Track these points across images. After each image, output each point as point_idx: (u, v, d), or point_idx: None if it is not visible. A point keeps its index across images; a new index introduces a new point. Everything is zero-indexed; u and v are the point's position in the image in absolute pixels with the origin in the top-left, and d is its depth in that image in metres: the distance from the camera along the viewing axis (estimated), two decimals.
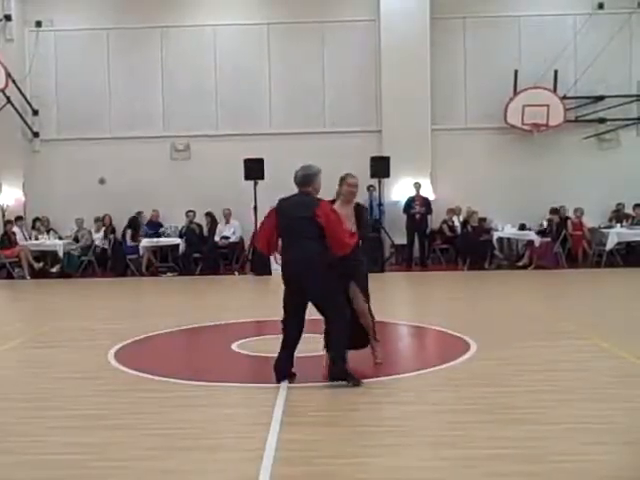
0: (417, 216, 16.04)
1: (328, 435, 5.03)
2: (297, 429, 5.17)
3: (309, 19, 17.03)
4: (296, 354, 6.50)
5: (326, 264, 6.27)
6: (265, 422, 5.26)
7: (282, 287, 6.47)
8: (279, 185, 15.90)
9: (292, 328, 6.42)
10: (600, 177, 16.54)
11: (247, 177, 15.59)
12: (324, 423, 5.31)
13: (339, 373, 6.26)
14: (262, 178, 15.56)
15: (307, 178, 6.54)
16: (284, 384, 6.29)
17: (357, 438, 4.98)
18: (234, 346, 8.00)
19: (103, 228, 16.45)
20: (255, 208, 15.57)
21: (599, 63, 16.48)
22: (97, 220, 16.55)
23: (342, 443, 4.88)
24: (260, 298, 13.04)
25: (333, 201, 6.84)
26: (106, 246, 16.27)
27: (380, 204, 16.18)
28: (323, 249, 6.28)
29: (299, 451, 4.73)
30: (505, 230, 16.03)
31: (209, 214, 16.68)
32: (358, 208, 6.91)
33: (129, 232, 16.04)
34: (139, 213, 16.42)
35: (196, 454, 4.72)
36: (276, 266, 14.76)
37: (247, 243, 16.35)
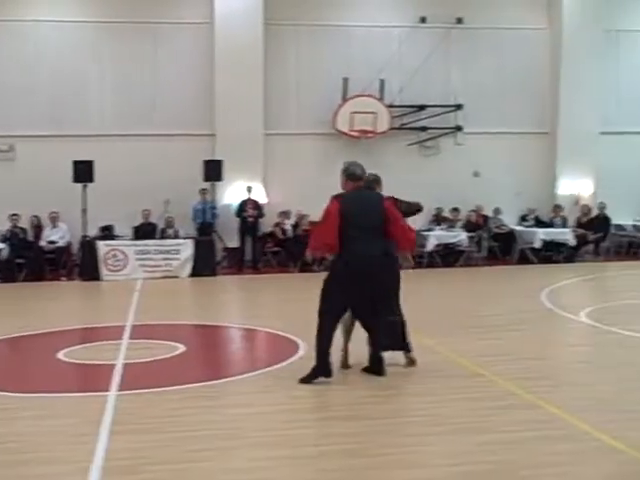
0: (249, 219, 16.22)
1: (158, 441, 5.05)
2: (126, 437, 5.15)
3: (141, 19, 16.71)
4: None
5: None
6: (93, 432, 5.20)
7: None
8: (108, 188, 15.73)
9: (332, 328, 6.54)
10: (422, 182, 17.26)
11: (76, 180, 15.10)
12: (154, 430, 5.31)
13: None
14: (91, 181, 15.12)
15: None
16: (112, 392, 6.22)
17: (187, 443, 5.02)
18: (60, 354, 7.77)
19: None
20: (84, 211, 15.12)
21: (422, 74, 17.35)
22: None
23: (173, 449, 4.91)
24: (88, 304, 12.70)
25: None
26: None
27: (213, 207, 16.19)
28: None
29: (129, 459, 4.73)
30: None
31: (34, 218, 16.00)
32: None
33: None
34: None
35: (21, 468, 4.60)
36: (106, 272, 14.63)
37: (76, 247, 15.83)
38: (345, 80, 17.17)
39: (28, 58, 16.37)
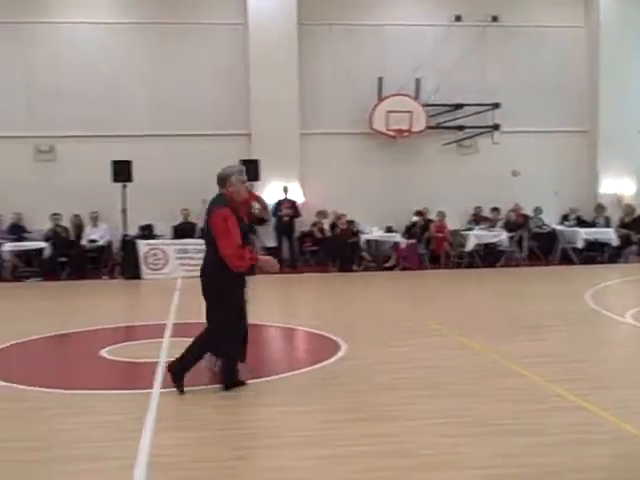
0: (285, 219, 16.25)
1: (201, 439, 5.07)
2: (169, 434, 5.18)
3: (177, 20, 16.87)
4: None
5: (220, 275, 6.13)
6: (137, 428, 5.23)
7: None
8: (147, 188, 15.88)
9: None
10: (460, 181, 17.32)
11: (115, 179, 15.27)
12: (196, 427, 5.34)
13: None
14: (130, 180, 15.29)
15: (220, 178, 6.34)
16: (155, 390, 6.26)
17: (229, 441, 5.04)
18: (103, 352, 7.86)
19: None
20: (124, 211, 15.28)
21: (457, 73, 17.26)
22: None
23: (215, 446, 4.93)
24: (130, 302, 12.81)
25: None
26: None
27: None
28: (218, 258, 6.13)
29: (172, 456, 4.75)
30: (372, 232, 16.49)
31: (76, 217, 16.21)
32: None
33: None
34: None
35: (66, 465, 4.63)
36: (147, 270, 14.76)
37: (116, 246, 16.00)
38: (380, 79, 17.13)
39: (68, 60, 16.61)
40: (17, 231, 15.83)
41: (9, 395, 6.28)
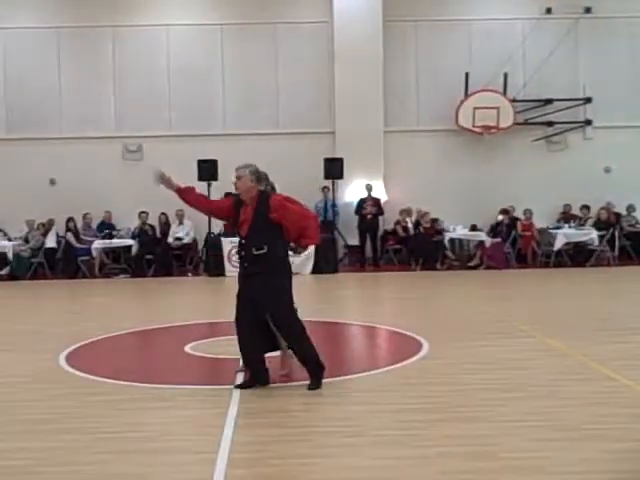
0: (368, 217, 16.18)
1: (282, 436, 5.06)
2: (251, 431, 5.19)
3: (262, 20, 17.04)
4: None
5: None
6: (219, 424, 5.26)
7: (234, 288, 6.46)
8: (232, 186, 16.02)
9: None
10: (548, 179, 16.89)
11: (200, 178, 15.50)
12: (278, 424, 5.33)
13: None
14: (216, 179, 15.51)
15: None
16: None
17: (310, 438, 5.00)
18: (187, 348, 7.96)
19: (53, 229, 16.18)
20: None
21: (547, 67, 16.84)
22: (43, 225, 16.24)
23: (296, 444, 4.90)
24: (214, 299, 12.99)
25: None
26: (52, 245, 15.94)
27: (334, 205, 16.27)
28: None
29: (253, 452, 4.76)
30: (456, 231, 16.24)
31: (162, 215, 16.57)
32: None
33: (69, 235, 15.84)
34: (70, 219, 16.12)
35: (148, 457, 4.70)
36: (231, 267, 14.95)
37: (201, 244, 16.28)
38: (467, 75, 16.86)
39: (155, 61, 17.06)
40: (106, 229, 16.30)
41: (95, 388, 6.42)
